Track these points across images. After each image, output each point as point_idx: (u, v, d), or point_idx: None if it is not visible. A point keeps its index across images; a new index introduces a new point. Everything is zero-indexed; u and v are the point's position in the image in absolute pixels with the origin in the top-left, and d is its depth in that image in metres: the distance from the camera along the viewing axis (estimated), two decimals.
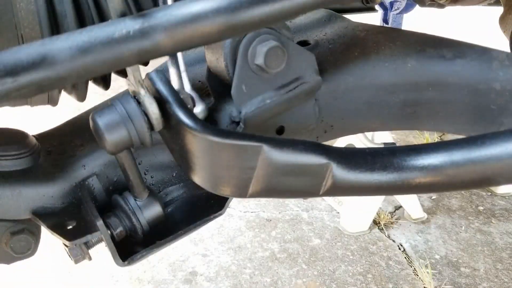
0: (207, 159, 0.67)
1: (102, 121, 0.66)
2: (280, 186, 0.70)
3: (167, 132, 0.71)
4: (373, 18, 2.11)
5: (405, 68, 0.83)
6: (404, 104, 0.86)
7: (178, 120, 0.65)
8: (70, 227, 0.74)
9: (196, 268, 1.93)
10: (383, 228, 2.22)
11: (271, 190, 0.71)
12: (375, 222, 2.24)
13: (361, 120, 0.90)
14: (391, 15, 1.92)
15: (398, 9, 1.88)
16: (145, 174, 0.87)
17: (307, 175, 0.69)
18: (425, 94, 0.83)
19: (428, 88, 0.82)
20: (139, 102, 0.67)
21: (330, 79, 0.86)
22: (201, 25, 0.52)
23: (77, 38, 0.49)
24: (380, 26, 0.98)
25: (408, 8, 1.85)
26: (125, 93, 0.71)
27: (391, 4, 1.90)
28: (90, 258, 0.75)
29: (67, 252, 0.74)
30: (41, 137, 0.85)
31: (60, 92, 0.73)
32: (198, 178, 0.70)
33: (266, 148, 0.66)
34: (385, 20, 1.97)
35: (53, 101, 0.74)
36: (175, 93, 0.68)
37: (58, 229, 0.73)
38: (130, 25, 0.50)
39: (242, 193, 0.70)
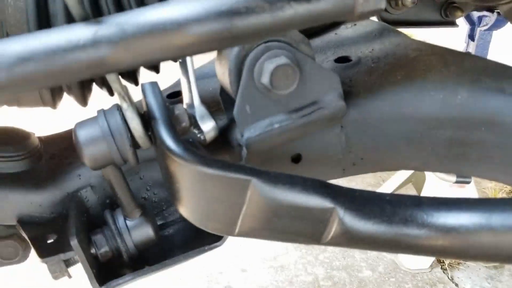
0: (189, 189, 0.59)
1: (81, 133, 0.60)
2: (273, 228, 0.60)
3: (156, 151, 0.64)
4: (460, 33, 1.89)
5: (454, 100, 0.68)
6: (450, 143, 0.71)
7: (160, 141, 0.58)
8: (51, 241, 0.69)
9: (231, 283, 1.85)
10: (447, 269, 1.98)
11: (262, 231, 0.61)
12: (439, 260, 2.01)
13: (398, 156, 0.76)
14: (478, 31, 1.70)
15: (486, 24, 1.65)
16: (147, 190, 0.80)
17: (306, 219, 0.58)
18: (476, 134, 0.67)
19: (481, 127, 0.66)
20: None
21: (362, 105, 0.73)
22: (163, 37, 0.44)
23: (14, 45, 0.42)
24: (439, 47, 0.82)
25: (498, 24, 1.62)
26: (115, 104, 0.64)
27: (479, 19, 1.68)
28: (69, 276, 0.70)
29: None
30: (48, 139, 0.82)
31: (55, 93, 0.68)
32: (182, 208, 0.62)
33: (256, 183, 0.56)
34: (471, 36, 1.75)
35: (49, 103, 0.69)
36: (164, 109, 0.60)
37: (37, 241, 0.68)
38: (81, 33, 0.43)
39: (229, 231, 0.61)
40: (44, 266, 0.68)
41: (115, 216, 0.71)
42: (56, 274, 0.69)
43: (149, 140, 0.61)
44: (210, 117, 0.64)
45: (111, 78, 0.54)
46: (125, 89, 0.57)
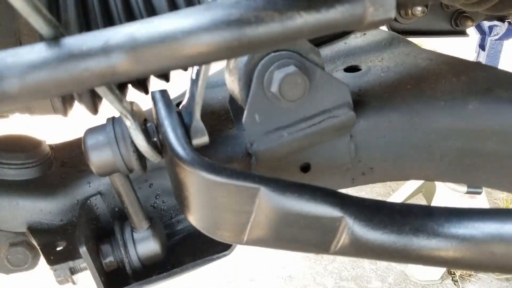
0: (197, 197, 0.59)
1: (89, 139, 0.61)
2: (282, 237, 0.60)
3: (165, 157, 0.64)
4: (470, 43, 1.88)
5: (464, 110, 0.68)
6: (461, 153, 0.70)
7: (168, 148, 0.58)
8: (60, 248, 0.69)
9: None
10: (458, 281, 1.96)
11: (270, 240, 0.60)
12: (450, 272, 1.98)
13: (408, 166, 0.75)
14: (489, 40, 1.69)
15: (497, 34, 1.64)
16: (156, 198, 0.80)
17: (314, 228, 0.58)
18: (487, 144, 0.67)
19: (492, 137, 0.66)
20: None
21: (372, 114, 0.73)
22: (173, 46, 0.44)
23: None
24: (449, 56, 0.82)
25: (509, 34, 1.61)
26: None
27: (490, 28, 1.67)
28: (74, 283, 0.70)
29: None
30: (59, 147, 0.83)
31: (66, 102, 0.69)
32: (190, 216, 0.62)
33: (264, 191, 0.55)
34: (482, 46, 1.74)
35: (60, 111, 0.70)
36: (172, 117, 0.60)
37: (46, 249, 0.68)
38: (92, 42, 0.44)
39: (237, 240, 0.61)
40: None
41: (123, 227, 0.71)
42: (61, 279, 0.69)
43: (156, 154, 0.61)
44: (205, 134, 0.61)
45: (110, 98, 0.53)
46: (127, 107, 0.57)
